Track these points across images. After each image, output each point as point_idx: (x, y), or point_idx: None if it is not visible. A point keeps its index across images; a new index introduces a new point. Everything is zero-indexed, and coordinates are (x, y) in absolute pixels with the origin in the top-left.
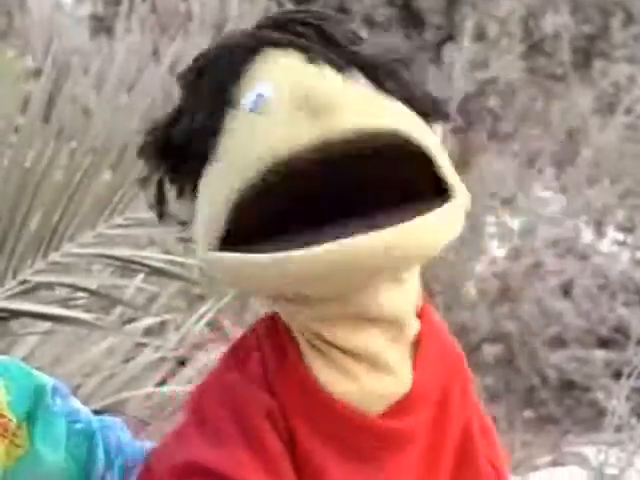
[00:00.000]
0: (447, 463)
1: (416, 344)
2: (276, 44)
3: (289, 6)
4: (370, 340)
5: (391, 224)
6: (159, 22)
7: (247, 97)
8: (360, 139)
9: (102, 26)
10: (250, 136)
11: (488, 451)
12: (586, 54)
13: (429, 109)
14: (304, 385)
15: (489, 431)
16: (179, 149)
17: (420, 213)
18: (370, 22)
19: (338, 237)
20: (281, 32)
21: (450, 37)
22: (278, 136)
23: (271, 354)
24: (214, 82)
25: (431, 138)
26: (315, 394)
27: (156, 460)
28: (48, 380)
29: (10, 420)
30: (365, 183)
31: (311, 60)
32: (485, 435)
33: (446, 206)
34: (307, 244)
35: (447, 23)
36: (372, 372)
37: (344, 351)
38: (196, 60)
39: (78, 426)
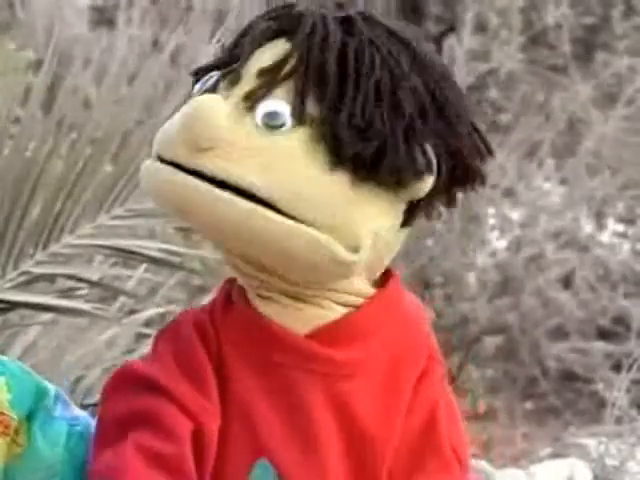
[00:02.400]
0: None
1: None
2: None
3: None
4: (310, 292)
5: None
6: (160, 13)
7: (201, 81)
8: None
9: (103, 17)
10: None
11: (452, 437)
12: (587, 45)
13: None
14: (240, 313)
15: (456, 418)
16: None
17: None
18: None
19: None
20: (290, 25)
21: (451, 28)
22: (162, 136)
23: (221, 296)
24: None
25: (305, 201)
26: (247, 314)
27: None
28: (50, 386)
29: (12, 418)
30: None
31: (266, 74)
32: (452, 422)
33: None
34: None
35: (447, 14)
36: (305, 304)
37: (282, 292)
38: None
39: (78, 428)
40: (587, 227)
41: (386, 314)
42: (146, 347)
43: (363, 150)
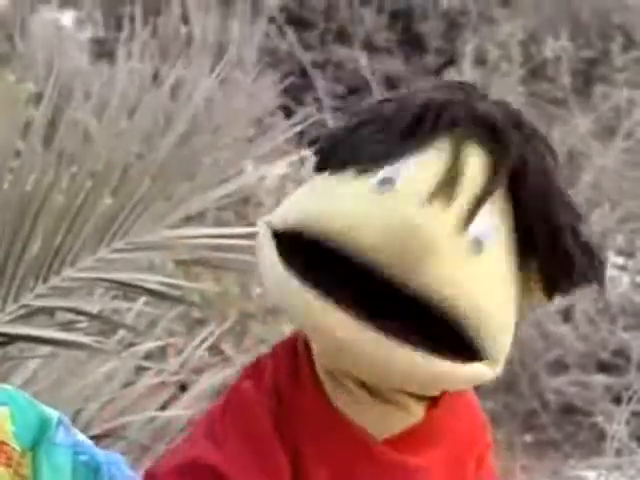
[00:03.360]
0: None
1: (437, 398)
2: (474, 138)
3: (289, 32)
4: (388, 390)
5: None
6: (160, 46)
7: (387, 168)
8: (422, 297)
9: (103, 50)
10: (354, 202)
11: None
12: (586, 78)
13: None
14: (314, 398)
15: None
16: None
17: (439, 355)
18: (371, 46)
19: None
20: (490, 135)
21: (451, 61)
22: (356, 224)
23: (285, 369)
24: (397, 133)
25: (491, 316)
26: (324, 408)
27: (162, 463)
28: (53, 413)
29: (14, 449)
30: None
31: (478, 199)
32: None
33: (452, 366)
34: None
35: (448, 47)
36: (381, 402)
37: (356, 382)
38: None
39: (83, 458)
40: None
41: (455, 406)
42: (145, 380)
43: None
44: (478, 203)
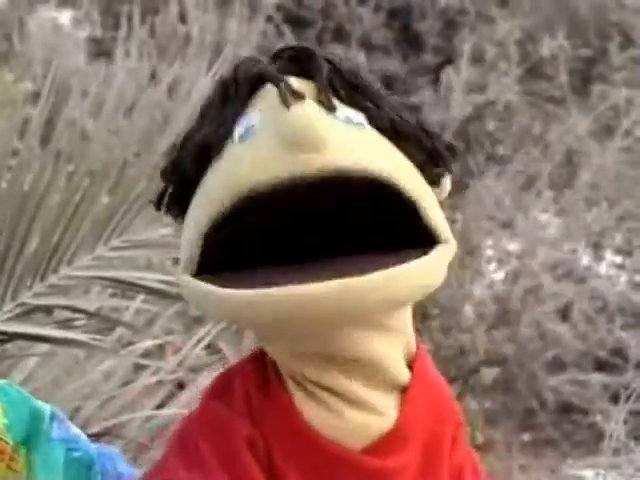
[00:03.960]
0: None
1: (405, 388)
2: (292, 73)
3: (287, 30)
4: (347, 381)
5: (362, 271)
6: (157, 46)
7: (240, 126)
8: (341, 179)
9: (100, 49)
10: (228, 165)
11: None
12: (584, 77)
13: (437, 157)
14: (286, 418)
15: (482, 478)
16: (180, 173)
17: (397, 263)
18: (368, 45)
19: (305, 280)
20: (300, 63)
21: (448, 60)
22: (250, 168)
23: (255, 384)
24: (220, 110)
25: (420, 186)
26: (297, 427)
27: None
28: (46, 406)
29: (7, 443)
30: (352, 226)
31: (321, 90)
32: None
33: (424, 258)
34: (270, 283)
35: (445, 46)
36: (353, 409)
37: (324, 388)
38: (216, 85)
39: (76, 454)
40: (584, 259)
41: (424, 396)
42: (143, 378)
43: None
44: (326, 95)
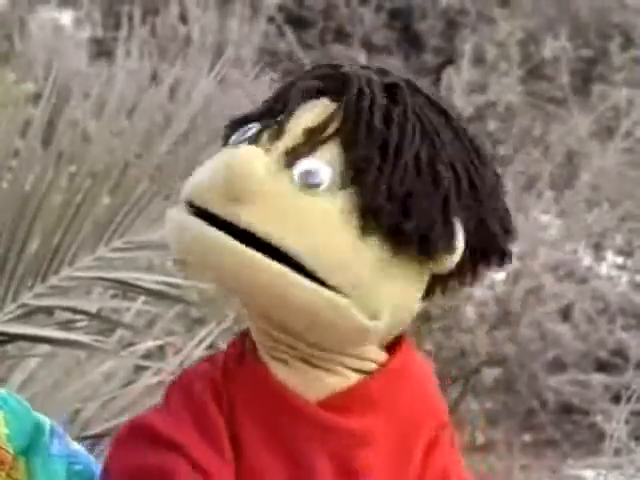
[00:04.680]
0: None
1: (380, 368)
2: (330, 92)
3: (288, 31)
4: (322, 356)
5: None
6: (158, 46)
7: (240, 132)
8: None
9: (102, 50)
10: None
11: None
12: (585, 78)
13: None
14: (251, 371)
15: None
16: None
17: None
18: (369, 45)
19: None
20: (335, 85)
21: (449, 60)
22: (197, 182)
23: (233, 353)
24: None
25: (339, 267)
26: (259, 377)
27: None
28: (45, 419)
29: (7, 452)
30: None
31: (306, 133)
32: None
33: (306, 282)
34: None
35: (446, 46)
36: (317, 369)
37: (293, 352)
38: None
39: (78, 467)
40: (585, 259)
41: (399, 381)
42: (144, 379)
43: (401, 223)
44: (305, 143)
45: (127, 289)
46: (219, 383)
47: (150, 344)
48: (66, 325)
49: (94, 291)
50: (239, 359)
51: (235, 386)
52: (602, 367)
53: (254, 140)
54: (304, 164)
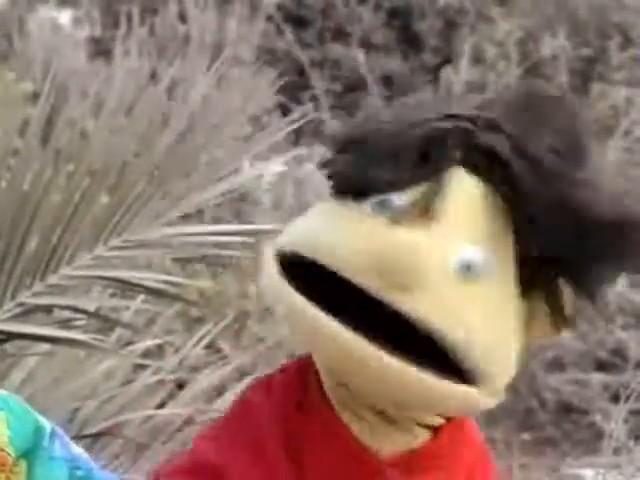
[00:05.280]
0: None
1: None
2: (474, 166)
3: (287, 30)
4: (394, 413)
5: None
6: (157, 45)
7: (383, 196)
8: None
9: (100, 49)
10: (331, 221)
11: None
12: (584, 77)
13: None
14: (321, 418)
15: None
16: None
17: (432, 373)
18: (368, 44)
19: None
20: (490, 164)
21: (448, 59)
22: (336, 249)
23: (296, 385)
24: (387, 162)
25: (498, 361)
26: (331, 426)
27: (166, 466)
28: (46, 422)
29: (8, 455)
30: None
31: (472, 220)
32: None
33: (438, 381)
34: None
35: (445, 45)
36: (389, 425)
37: (369, 409)
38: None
39: (79, 473)
40: None
41: (459, 433)
42: (143, 378)
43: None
44: (466, 228)
45: (126, 288)
46: (286, 428)
47: (149, 343)
48: (65, 324)
49: (93, 290)
50: (303, 394)
51: (303, 432)
52: (601, 366)
53: (401, 212)
54: (468, 252)
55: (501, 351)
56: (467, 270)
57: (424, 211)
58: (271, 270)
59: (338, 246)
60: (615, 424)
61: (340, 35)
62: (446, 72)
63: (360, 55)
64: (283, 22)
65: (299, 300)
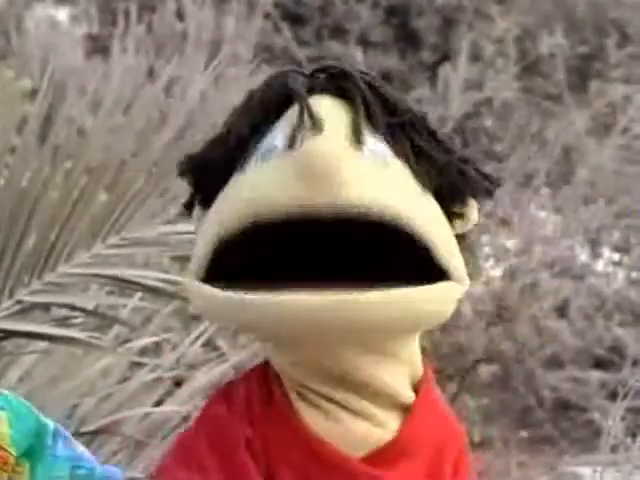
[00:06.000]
0: None
1: (409, 408)
2: (330, 92)
3: (285, 28)
4: (350, 395)
5: (362, 290)
6: (155, 42)
7: (263, 144)
8: (352, 213)
9: (98, 46)
10: (246, 184)
11: None
12: (581, 74)
13: (471, 188)
14: (288, 425)
15: None
16: (205, 173)
17: (394, 286)
18: (366, 42)
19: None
20: (339, 83)
21: (446, 57)
22: (261, 195)
23: (258, 393)
24: (251, 119)
25: (436, 225)
26: (298, 434)
27: None
28: (49, 422)
29: (10, 454)
30: (363, 253)
31: (354, 121)
32: None
33: (426, 287)
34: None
35: (443, 43)
36: (355, 419)
37: (326, 398)
38: (252, 90)
39: (81, 472)
40: (582, 256)
41: (429, 418)
42: (140, 375)
43: (447, 175)
44: (357, 126)
45: (123, 286)
46: (253, 439)
47: (147, 340)
48: (63, 322)
49: (91, 288)
50: (266, 401)
51: (270, 441)
52: (599, 364)
53: (293, 138)
54: (371, 144)
55: (443, 228)
56: (376, 155)
57: (316, 125)
58: (197, 290)
59: (262, 190)
60: (613, 422)
61: (338, 33)
62: (444, 70)
63: (358, 53)
64: (281, 20)
65: (230, 295)
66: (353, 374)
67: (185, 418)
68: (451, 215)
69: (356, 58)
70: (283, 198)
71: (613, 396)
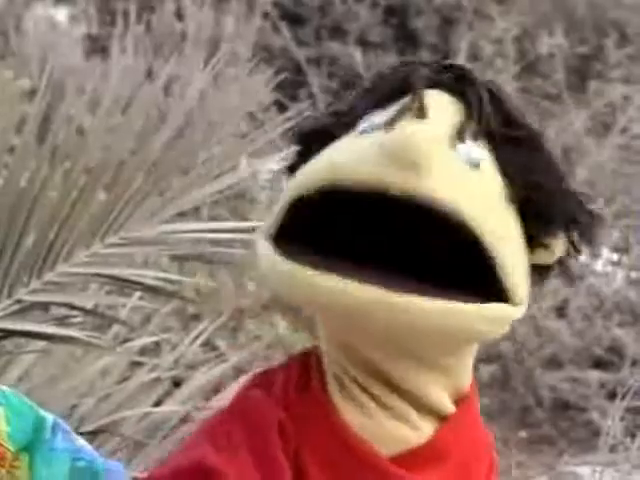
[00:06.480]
0: None
1: (446, 417)
2: (447, 88)
3: (284, 27)
4: (391, 395)
5: (412, 294)
6: (154, 42)
7: (366, 121)
8: (425, 204)
9: (97, 46)
10: (335, 151)
11: None
12: (581, 74)
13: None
14: (322, 414)
15: None
16: (314, 141)
17: (459, 301)
18: (365, 42)
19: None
20: (457, 81)
21: (445, 57)
22: (349, 160)
23: (296, 380)
24: (360, 100)
25: (508, 245)
26: (332, 424)
27: (160, 467)
28: (48, 415)
29: (8, 450)
30: (427, 250)
31: (463, 123)
32: None
33: (485, 305)
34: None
35: (442, 43)
36: (391, 419)
37: (367, 393)
38: (379, 72)
39: (81, 464)
40: (581, 256)
41: (463, 428)
42: (139, 375)
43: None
44: (462, 125)
45: (123, 285)
46: (286, 422)
47: (146, 340)
48: (62, 321)
49: (90, 287)
50: (303, 388)
51: (303, 427)
52: (598, 364)
53: (395, 118)
54: (467, 146)
55: (515, 246)
56: (470, 159)
57: (419, 113)
58: (265, 251)
59: (347, 160)
60: (612, 422)
61: (337, 33)
62: None
63: (357, 53)
64: (280, 19)
65: (296, 268)
66: (397, 379)
67: (184, 419)
68: (536, 243)
69: (355, 58)
70: (365, 169)
71: (612, 396)
